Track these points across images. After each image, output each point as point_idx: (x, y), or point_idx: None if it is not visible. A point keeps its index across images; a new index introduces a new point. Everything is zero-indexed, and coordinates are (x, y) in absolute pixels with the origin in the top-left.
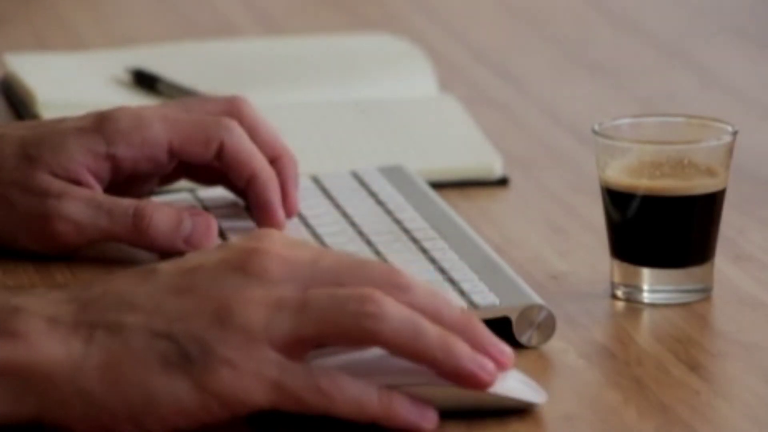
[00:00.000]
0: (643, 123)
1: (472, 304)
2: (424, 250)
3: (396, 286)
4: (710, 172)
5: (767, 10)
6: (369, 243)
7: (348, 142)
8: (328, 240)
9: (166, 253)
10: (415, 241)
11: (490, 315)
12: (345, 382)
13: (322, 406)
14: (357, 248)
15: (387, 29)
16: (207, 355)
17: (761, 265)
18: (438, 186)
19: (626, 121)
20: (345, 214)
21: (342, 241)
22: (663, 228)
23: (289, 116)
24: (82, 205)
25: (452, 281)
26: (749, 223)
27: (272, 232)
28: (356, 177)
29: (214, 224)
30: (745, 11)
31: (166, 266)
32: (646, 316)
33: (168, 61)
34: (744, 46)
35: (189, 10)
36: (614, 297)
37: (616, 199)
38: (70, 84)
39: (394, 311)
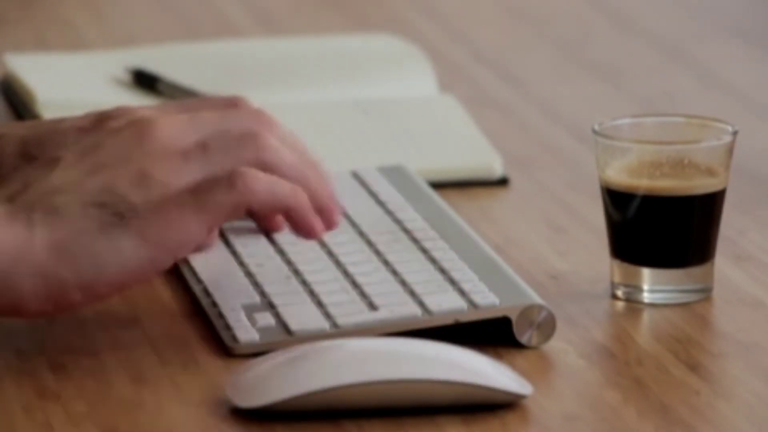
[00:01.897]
0: (643, 123)
1: (472, 304)
2: (424, 250)
3: (266, 123)
4: (710, 172)
5: (767, 10)
6: (369, 243)
7: (348, 142)
8: (327, 240)
9: None
10: (415, 241)
11: (490, 315)
12: (257, 175)
13: (245, 202)
14: (357, 248)
15: (387, 29)
16: (138, 210)
17: (761, 265)
18: (438, 186)
19: (626, 121)
20: (345, 214)
21: (342, 241)
22: (663, 228)
23: (289, 116)
24: None
25: (452, 281)
26: (749, 223)
27: (139, 108)
28: (356, 177)
29: None
30: (745, 11)
31: (67, 153)
32: (646, 316)
33: (168, 61)
34: (744, 46)
35: (189, 10)
36: (614, 297)
37: (616, 199)
38: (70, 84)
39: (280, 148)
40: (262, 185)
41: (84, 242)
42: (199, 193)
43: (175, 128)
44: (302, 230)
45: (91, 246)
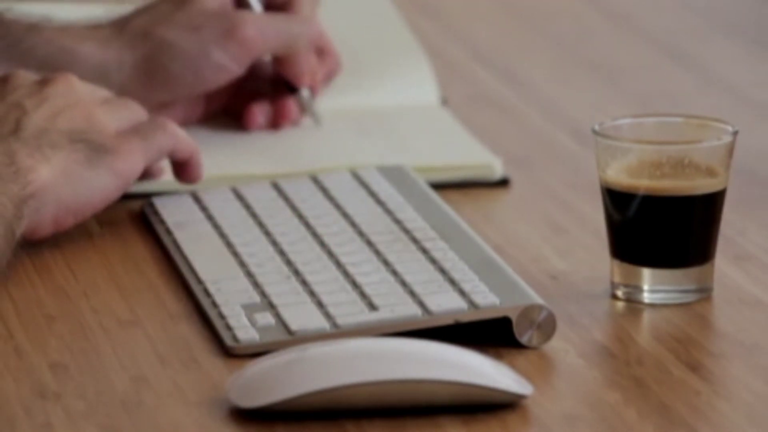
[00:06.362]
0: (643, 123)
1: (473, 304)
2: (424, 251)
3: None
4: (710, 172)
5: (767, 10)
6: (369, 243)
7: (349, 142)
8: (328, 240)
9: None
10: (415, 241)
11: (491, 315)
12: (175, 124)
13: (174, 143)
14: (357, 248)
15: None
16: (105, 146)
17: (761, 265)
18: (438, 186)
19: (626, 121)
20: (345, 214)
21: (342, 241)
22: (663, 228)
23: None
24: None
25: (452, 281)
26: (749, 223)
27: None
28: (356, 177)
29: None
30: (745, 11)
31: (21, 101)
32: (646, 316)
33: None
34: (744, 46)
35: None
36: (614, 297)
37: (616, 199)
38: None
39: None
40: (181, 131)
41: (81, 172)
42: (141, 134)
43: (78, 82)
44: (194, 173)
45: (86, 176)
